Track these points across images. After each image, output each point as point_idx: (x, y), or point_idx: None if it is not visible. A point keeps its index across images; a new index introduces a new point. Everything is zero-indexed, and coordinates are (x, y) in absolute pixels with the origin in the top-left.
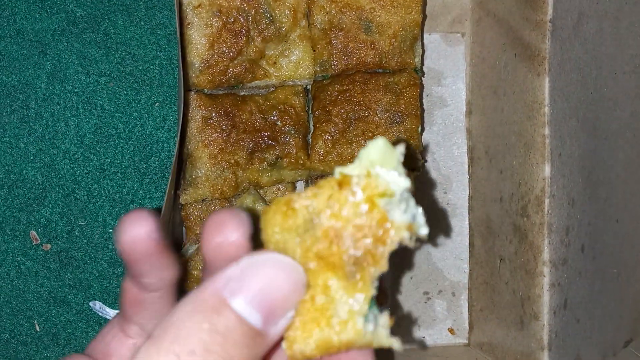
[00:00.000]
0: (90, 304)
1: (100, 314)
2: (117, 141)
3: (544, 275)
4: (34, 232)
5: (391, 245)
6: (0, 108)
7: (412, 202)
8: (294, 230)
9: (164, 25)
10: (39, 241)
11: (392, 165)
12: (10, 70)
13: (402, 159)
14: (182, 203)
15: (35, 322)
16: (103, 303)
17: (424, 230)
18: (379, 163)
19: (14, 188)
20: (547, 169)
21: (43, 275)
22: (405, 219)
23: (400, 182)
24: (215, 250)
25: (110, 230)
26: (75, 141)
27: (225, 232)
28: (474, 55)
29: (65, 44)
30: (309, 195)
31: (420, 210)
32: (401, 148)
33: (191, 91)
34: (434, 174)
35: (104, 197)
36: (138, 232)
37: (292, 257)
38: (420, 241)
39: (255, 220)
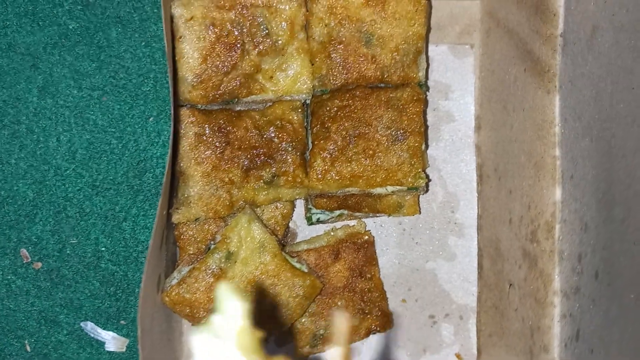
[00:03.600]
0: (82, 324)
1: (92, 335)
2: (110, 157)
3: (555, 306)
4: (24, 250)
5: None
6: None
7: None
8: None
9: (158, 37)
10: (30, 259)
11: None
12: (1, 85)
13: None
14: (175, 222)
15: (26, 342)
16: (95, 324)
17: None
18: None
19: (4, 205)
20: (557, 193)
21: (34, 295)
22: None
23: None
24: None
25: (103, 249)
26: (67, 157)
27: None
28: (483, 68)
29: (58, 57)
30: None
31: None
32: None
33: (184, 107)
34: (440, 192)
35: (96, 215)
36: None
37: None
38: None
39: None
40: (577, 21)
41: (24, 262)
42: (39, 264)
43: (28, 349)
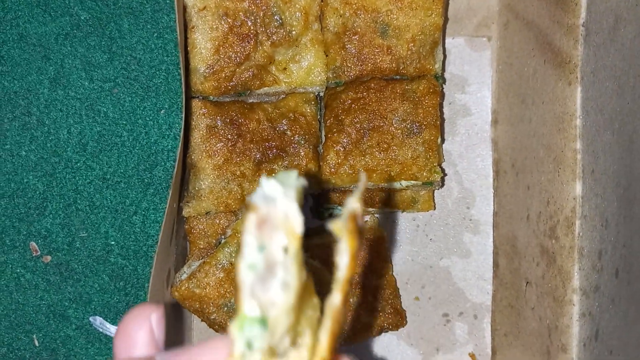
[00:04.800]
0: (91, 319)
1: (101, 330)
2: (120, 149)
3: (574, 304)
4: (34, 244)
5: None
6: (1, 114)
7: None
8: None
9: (171, 28)
10: (39, 253)
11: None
12: (12, 76)
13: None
14: (185, 216)
15: (34, 336)
16: (104, 318)
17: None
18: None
19: (14, 197)
20: (578, 188)
21: (43, 288)
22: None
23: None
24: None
25: (112, 243)
26: (78, 149)
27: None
28: (501, 61)
29: (69, 48)
30: None
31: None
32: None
33: (195, 98)
34: (456, 187)
35: (106, 208)
36: (137, 334)
37: None
38: None
39: None
40: (600, 11)
41: (34, 255)
42: (49, 258)
43: (36, 343)
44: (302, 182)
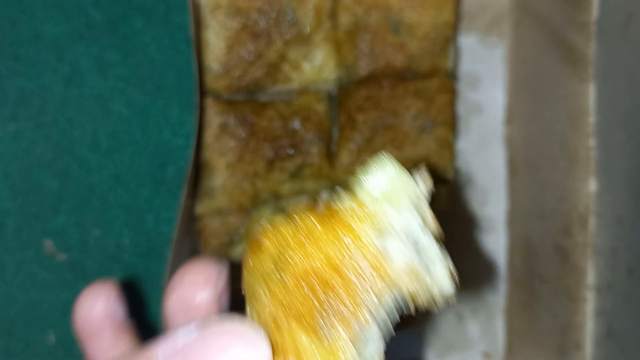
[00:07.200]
0: None
1: None
2: (133, 148)
3: (588, 301)
4: (49, 242)
5: (383, 297)
6: (17, 113)
7: (428, 245)
8: (260, 273)
9: (183, 28)
10: (54, 251)
11: (406, 203)
12: (27, 75)
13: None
14: (198, 215)
15: (50, 333)
16: None
17: (445, 287)
18: (387, 199)
19: (29, 196)
20: (592, 185)
21: (58, 286)
22: (407, 263)
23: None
24: (175, 309)
25: (126, 241)
26: (91, 148)
27: (188, 290)
28: (513, 59)
29: (83, 48)
30: (280, 230)
31: (440, 255)
32: (424, 181)
33: (208, 97)
34: (468, 186)
35: (119, 207)
36: (94, 308)
37: (259, 310)
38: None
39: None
40: (612, 8)
41: (48, 253)
42: (64, 256)
43: (52, 340)
44: None
